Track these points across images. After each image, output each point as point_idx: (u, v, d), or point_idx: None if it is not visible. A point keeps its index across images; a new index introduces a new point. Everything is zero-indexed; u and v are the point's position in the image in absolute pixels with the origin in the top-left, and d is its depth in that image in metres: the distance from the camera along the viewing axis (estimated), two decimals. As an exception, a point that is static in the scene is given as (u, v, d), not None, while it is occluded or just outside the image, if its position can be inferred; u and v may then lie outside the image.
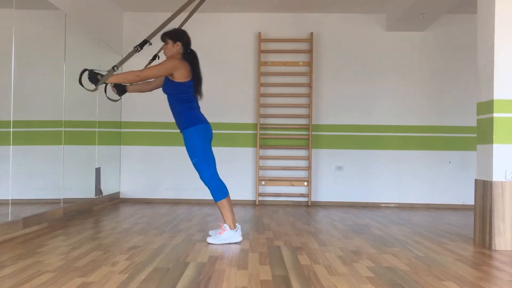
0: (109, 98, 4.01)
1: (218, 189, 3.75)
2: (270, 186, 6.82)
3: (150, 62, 4.07)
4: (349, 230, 4.45)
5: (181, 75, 3.69)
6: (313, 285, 2.55)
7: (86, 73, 3.61)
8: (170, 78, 3.72)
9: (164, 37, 3.80)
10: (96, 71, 3.63)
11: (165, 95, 3.84)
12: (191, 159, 3.74)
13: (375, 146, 6.80)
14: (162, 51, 3.86)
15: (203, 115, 3.82)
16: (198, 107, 3.83)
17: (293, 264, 3.03)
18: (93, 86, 3.61)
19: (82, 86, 3.63)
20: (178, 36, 3.78)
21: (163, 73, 3.68)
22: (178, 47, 3.77)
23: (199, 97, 3.83)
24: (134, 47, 3.64)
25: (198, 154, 3.71)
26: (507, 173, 3.71)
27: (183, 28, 4.13)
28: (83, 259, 3.05)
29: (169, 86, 3.74)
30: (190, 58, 3.79)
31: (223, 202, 3.75)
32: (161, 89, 3.99)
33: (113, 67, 3.60)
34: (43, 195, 4.72)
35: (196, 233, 4.14)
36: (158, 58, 4.12)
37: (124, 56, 3.76)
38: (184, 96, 3.73)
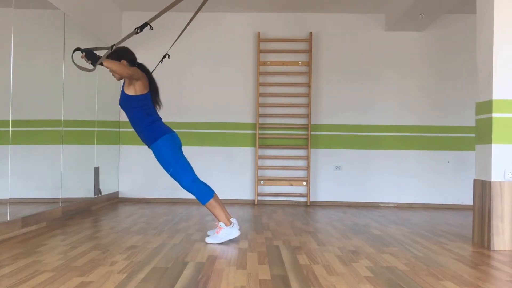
0: (78, 66, 3.46)
1: (202, 191, 3.74)
2: (269, 185, 6.81)
3: (161, 61, 4.14)
4: (348, 230, 4.45)
5: (142, 85, 3.67)
6: (312, 285, 2.55)
7: (78, 52, 3.41)
8: (129, 92, 3.67)
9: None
10: (94, 50, 3.44)
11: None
12: (167, 171, 3.72)
13: (374, 146, 6.80)
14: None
15: (166, 125, 3.79)
16: (160, 119, 3.81)
17: (292, 264, 3.03)
18: (91, 66, 3.41)
19: (78, 66, 3.41)
20: (121, 55, 3.68)
21: (133, 74, 3.57)
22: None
23: (158, 107, 3.82)
24: (135, 29, 3.48)
25: (172, 164, 3.70)
26: (506, 173, 3.71)
27: (183, 28, 4.15)
28: (82, 259, 3.05)
29: (128, 101, 3.69)
30: (143, 71, 3.75)
31: (211, 202, 3.74)
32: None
33: (112, 46, 3.43)
34: (42, 195, 4.72)
35: (195, 233, 4.14)
36: (169, 57, 4.17)
37: (123, 37, 3.65)
38: (145, 110, 3.69)
